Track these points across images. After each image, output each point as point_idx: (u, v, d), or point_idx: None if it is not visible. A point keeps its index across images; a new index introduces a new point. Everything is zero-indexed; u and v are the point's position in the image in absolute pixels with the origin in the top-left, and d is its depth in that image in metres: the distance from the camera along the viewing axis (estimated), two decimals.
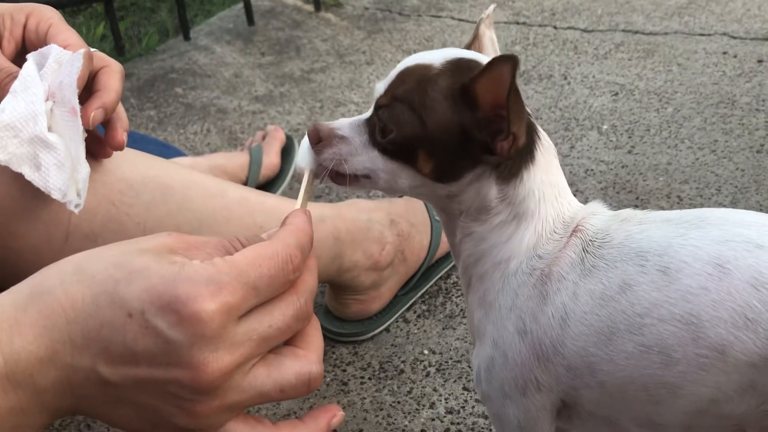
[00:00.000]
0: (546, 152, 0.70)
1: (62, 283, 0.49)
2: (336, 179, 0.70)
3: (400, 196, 1.35)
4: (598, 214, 0.70)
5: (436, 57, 0.69)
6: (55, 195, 0.72)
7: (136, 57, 2.38)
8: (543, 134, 0.71)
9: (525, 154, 0.68)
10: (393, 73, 0.69)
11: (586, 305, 0.65)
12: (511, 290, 0.69)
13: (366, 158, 0.68)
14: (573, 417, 0.72)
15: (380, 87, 0.70)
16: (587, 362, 0.66)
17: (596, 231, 0.68)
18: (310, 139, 0.69)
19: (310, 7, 2.58)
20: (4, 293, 0.51)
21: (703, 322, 0.60)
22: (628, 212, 0.70)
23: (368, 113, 0.70)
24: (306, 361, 0.53)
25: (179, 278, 0.48)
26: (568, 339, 0.66)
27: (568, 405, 0.71)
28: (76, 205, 0.74)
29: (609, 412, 0.69)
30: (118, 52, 2.30)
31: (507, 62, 0.58)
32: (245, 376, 0.50)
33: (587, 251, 0.67)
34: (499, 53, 0.72)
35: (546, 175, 0.69)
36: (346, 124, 0.70)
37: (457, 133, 0.65)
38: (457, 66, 0.67)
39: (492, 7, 0.77)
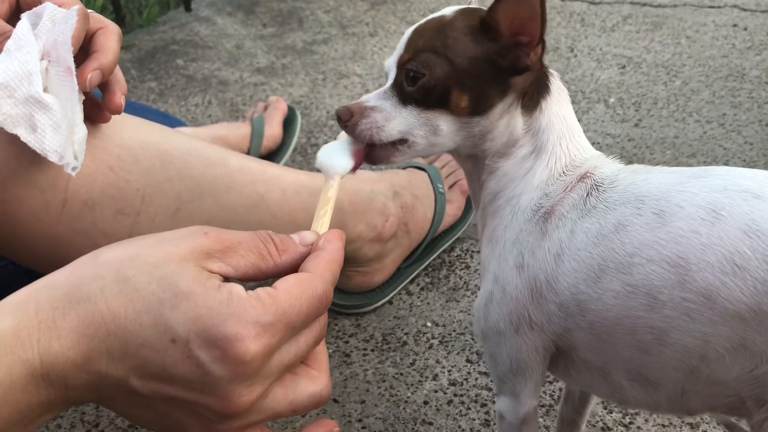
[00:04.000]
0: (558, 86, 0.73)
1: (103, 292, 0.49)
2: (372, 156, 0.71)
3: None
4: (608, 165, 0.72)
5: (442, 12, 0.72)
6: (52, 157, 0.70)
7: (137, 28, 2.35)
8: (553, 71, 0.74)
9: (541, 87, 0.72)
10: (402, 41, 0.71)
11: (581, 242, 0.66)
12: (517, 225, 0.71)
13: (399, 119, 0.70)
14: (569, 367, 0.73)
15: (390, 61, 0.72)
16: (577, 300, 0.66)
17: (603, 177, 0.69)
18: (341, 118, 0.70)
19: None
20: (38, 287, 0.50)
21: (690, 265, 0.60)
22: (639, 166, 0.71)
23: (388, 83, 0.72)
24: (319, 382, 0.55)
25: (227, 314, 0.49)
26: (560, 275, 0.67)
27: (563, 351, 0.71)
28: (74, 168, 0.72)
29: (601, 361, 0.69)
30: (118, 23, 2.25)
31: None
32: (265, 399, 0.52)
33: (590, 194, 0.68)
34: None
35: (560, 107, 0.73)
36: (372, 95, 0.72)
37: (484, 63, 0.68)
38: (467, 11, 0.71)
39: None
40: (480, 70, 0.68)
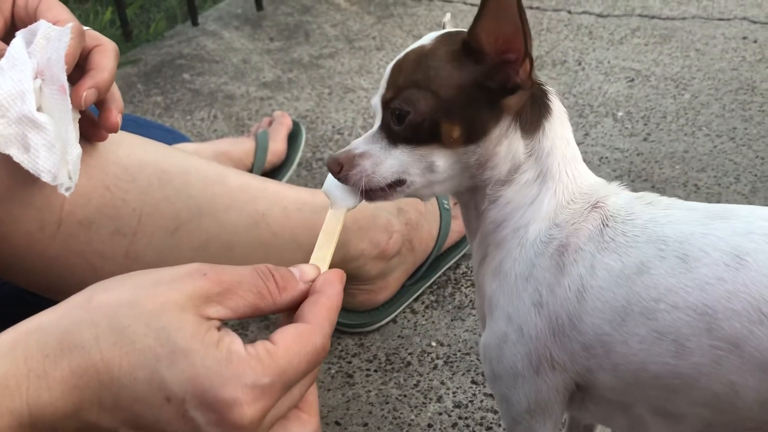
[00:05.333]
0: (558, 104, 0.70)
1: (97, 342, 0.48)
2: (373, 196, 0.69)
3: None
4: (620, 194, 0.69)
5: (422, 41, 0.69)
6: (45, 177, 0.69)
7: (144, 42, 2.35)
8: (551, 88, 0.71)
9: (541, 105, 0.69)
10: (384, 78, 0.69)
11: (603, 280, 0.64)
12: (528, 259, 0.68)
13: (391, 161, 0.67)
14: (586, 401, 0.70)
15: (376, 99, 0.69)
16: (602, 341, 0.64)
17: (618, 208, 0.67)
18: (331, 170, 0.68)
19: None
20: (29, 330, 0.49)
21: (717, 314, 0.59)
22: (653, 196, 0.69)
23: (376, 124, 0.69)
24: (309, 426, 0.55)
25: (225, 376, 0.48)
26: (585, 314, 0.65)
27: (582, 388, 0.69)
28: (67, 188, 0.71)
29: (624, 398, 0.67)
30: (125, 37, 2.27)
31: None
32: None
33: (607, 225, 0.66)
34: None
35: (563, 129, 0.70)
36: (360, 141, 0.69)
37: (472, 88, 0.65)
38: (448, 35, 0.68)
39: (448, 15, 0.77)
40: (469, 97, 0.65)
